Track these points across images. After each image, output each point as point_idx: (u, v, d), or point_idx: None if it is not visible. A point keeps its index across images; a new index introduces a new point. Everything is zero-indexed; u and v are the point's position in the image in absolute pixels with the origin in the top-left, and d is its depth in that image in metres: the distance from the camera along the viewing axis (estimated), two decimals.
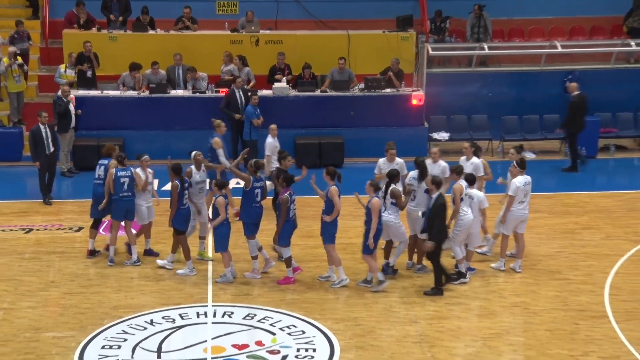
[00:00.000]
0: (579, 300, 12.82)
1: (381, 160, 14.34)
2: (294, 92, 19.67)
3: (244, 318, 12.09)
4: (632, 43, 21.15)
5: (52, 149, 16.63)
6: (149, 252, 14.30)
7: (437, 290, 12.94)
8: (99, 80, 19.85)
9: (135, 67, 19.62)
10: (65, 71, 19.32)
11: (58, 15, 21.56)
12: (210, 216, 14.05)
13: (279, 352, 11.20)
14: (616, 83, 20.83)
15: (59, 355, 11.16)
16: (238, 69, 19.87)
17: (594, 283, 13.42)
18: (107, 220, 15.70)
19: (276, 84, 19.60)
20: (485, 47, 21.19)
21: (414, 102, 19.86)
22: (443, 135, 20.28)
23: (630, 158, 20.26)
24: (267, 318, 12.10)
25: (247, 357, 11.02)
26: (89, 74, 19.77)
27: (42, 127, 16.43)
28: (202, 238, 14.25)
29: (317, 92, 19.87)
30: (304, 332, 11.72)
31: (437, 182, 12.82)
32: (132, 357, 11.14)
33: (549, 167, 19.73)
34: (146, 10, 20.93)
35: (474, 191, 13.32)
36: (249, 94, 18.46)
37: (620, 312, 12.48)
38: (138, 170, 13.99)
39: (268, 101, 18.91)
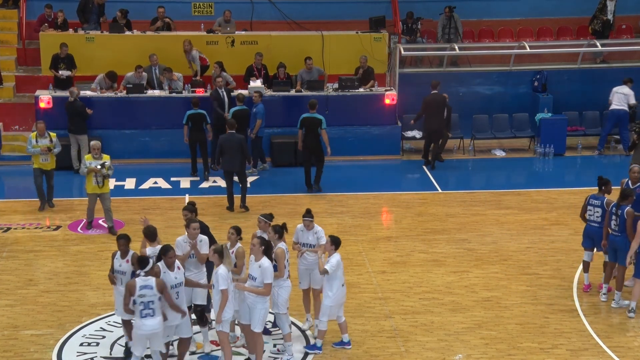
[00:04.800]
0: (548, 294, 13.12)
1: None
2: (269, 92, 19.80)
3: None
4: (598, 43, 21.48)
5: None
6: None
7: None
8: (76, 81, 19.78)
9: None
10: (37, 141, 16.39)
11: (35, 16, 21.34)
12: None
13: None
14: (583, 82, 21.12)
15: (38, 352, 11.25)
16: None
17: (563, 277, 13.72)
18: (84, 219, 15.79)
19: (252, 84, 19.70)
20: (456, 47, 21.39)
21: (387, 101, 20.07)
22: (415, 134, 20.55)
23: (597, 155, 20.59)
24: None
25: None
26: (64, 76, 19.59)
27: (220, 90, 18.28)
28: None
29: (292, 92, 20.02)
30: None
31: None
32: (111, 354, 11.26)
33: (519, 164, 20.08)
34: (125, 11, 20.89)
35: None
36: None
37: (588, 305, 12.80)
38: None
39: (246, 101, 18.93)
